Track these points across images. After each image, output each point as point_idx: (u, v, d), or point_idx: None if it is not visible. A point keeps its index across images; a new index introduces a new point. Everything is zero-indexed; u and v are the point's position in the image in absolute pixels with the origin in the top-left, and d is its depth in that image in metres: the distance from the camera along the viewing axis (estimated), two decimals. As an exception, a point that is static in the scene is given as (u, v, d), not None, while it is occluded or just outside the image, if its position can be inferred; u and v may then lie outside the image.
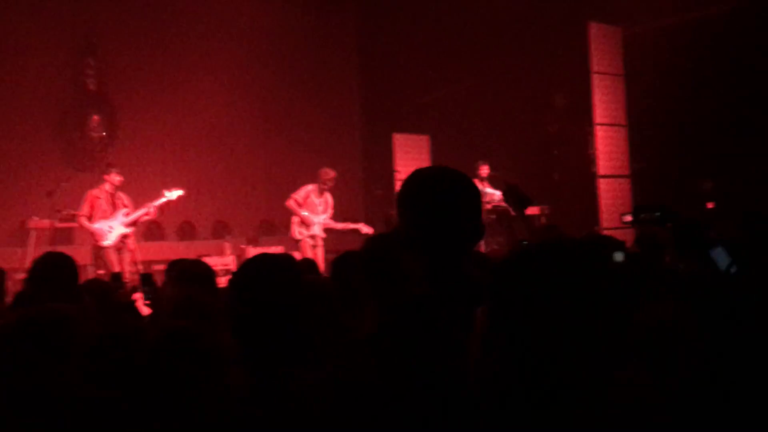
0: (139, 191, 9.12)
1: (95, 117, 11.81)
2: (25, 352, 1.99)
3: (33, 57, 11.08)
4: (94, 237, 8.36)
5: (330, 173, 9.26)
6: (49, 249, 8.52)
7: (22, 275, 6.14)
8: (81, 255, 10.04)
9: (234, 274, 1.94)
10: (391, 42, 13.34)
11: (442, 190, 1.71)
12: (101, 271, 8.45)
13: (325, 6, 13.78)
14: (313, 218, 9.22)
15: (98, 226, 8.31)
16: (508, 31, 11.15)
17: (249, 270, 1.92)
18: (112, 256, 8.30)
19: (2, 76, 10.88)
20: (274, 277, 1.87)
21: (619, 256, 2.86)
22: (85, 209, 8.36)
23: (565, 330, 1.36)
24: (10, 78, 10.94)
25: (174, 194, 8.75)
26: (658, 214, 3.98)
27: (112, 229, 8.33)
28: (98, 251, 8.38)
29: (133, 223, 8.52)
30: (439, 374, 1.49)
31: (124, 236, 8.42)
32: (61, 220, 9.36)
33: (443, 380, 1.48)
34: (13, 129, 10.99)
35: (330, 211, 9.40)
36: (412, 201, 1.73)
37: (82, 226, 8.50)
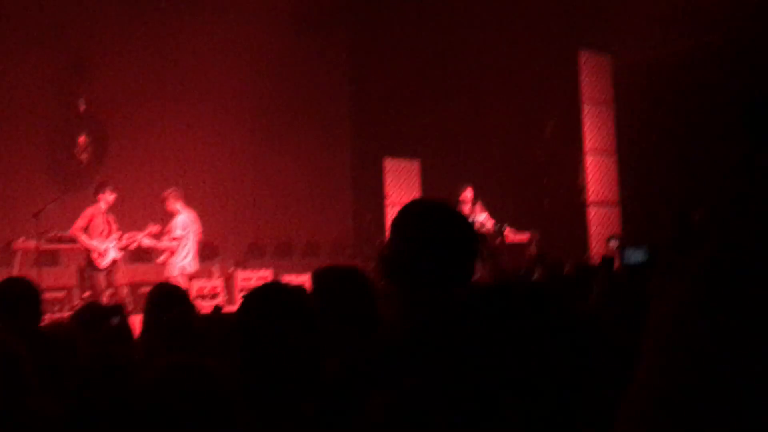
0: (127, 213, 9.06)
1: (83, 138, 11.75)
2: None
3: (21, 76, 11.02)
4: (90, 255, 8.21)
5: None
6: (34, 270, 8.44)
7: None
8: (67, 277, 9.97)
9: (245, 303, 1.90)
10: (382, 67, 13.40)
11: (438, 227, 1.68)
12: (86, 294, 8.34)
13: (317, 30, 13.83)
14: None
15: (97, 245, 8.21)
16: (499, 57, 11.21)
17: (262, 302, 1.88)
18: (101, 279, 8.18)
19: (-9, 95, 10.83)
20: (287, 310, 1.84)
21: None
22: (80, 223, 8.25)
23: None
24: (-2, 97, 10.89)
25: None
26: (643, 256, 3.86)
27: (108, 251, 8.24)
28: (90, 272, 8.25)
29: (124, 248, 8.44)
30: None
31: (114, 260, 8.34)
32: (48, 241, 9.26)
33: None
34: (0, 149, 10.90)
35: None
36: (405, 232, 1.70)
37: (80, 242, 8.32)
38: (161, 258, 8.53)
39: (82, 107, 11.65)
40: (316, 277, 2.54)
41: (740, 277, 0.70)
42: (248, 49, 12.84)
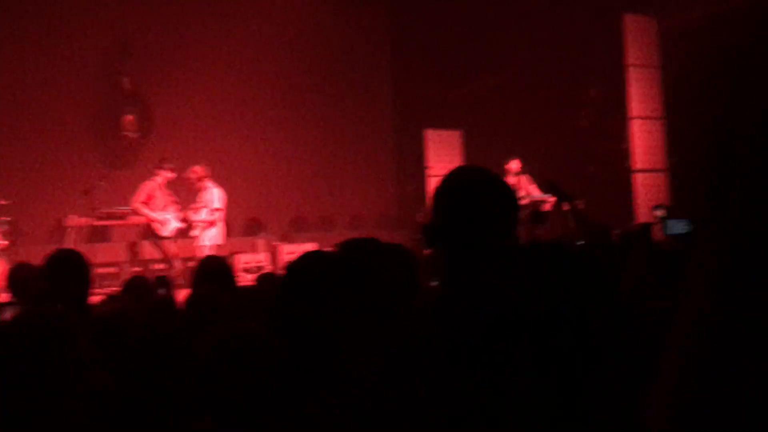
0: (173, 190, 9.21)
1: (130, 116, 11.95)
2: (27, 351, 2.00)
3: (67, 57, 11.25)
4: (152, 226, 8.44)
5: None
6: (85, 247, 8.67)
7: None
8: (117, 252, 10.22)
9: (289, 272, 1.92)
10: (422, 37, 13.29)
11: (479, 192, 1.69)
12: (137, 269, 8.54)
13: (357, 1, 13.78)
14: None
15: (157, 215, 8.44)
16: (542, 23, 11.02)
17: (304, 269, 1.91)
18: (170, 247, 8.43)
19: (39, 77, 11.05)
20: (329, 276, 1.86)
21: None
22: (140, 197, 8.49)
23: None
24: (46, 79, 11.11)
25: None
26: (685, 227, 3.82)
27: (169, 221, 8.46)
28: (155, 240, 8.47)
29: (184, 219, 8.65)
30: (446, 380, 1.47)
31: (177, 230, 8.58)
32: (98, 217, 9.48)
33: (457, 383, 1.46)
34: (50, 128, 11.16)
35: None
36: (447, 199, 1.71)
37: (140, 215, 8.57)
38: (195, 231, 8.67)
39: (127, 85, 11.84)
40: (340, 250, 2.53)
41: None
42: (290, 22, 12.87)
